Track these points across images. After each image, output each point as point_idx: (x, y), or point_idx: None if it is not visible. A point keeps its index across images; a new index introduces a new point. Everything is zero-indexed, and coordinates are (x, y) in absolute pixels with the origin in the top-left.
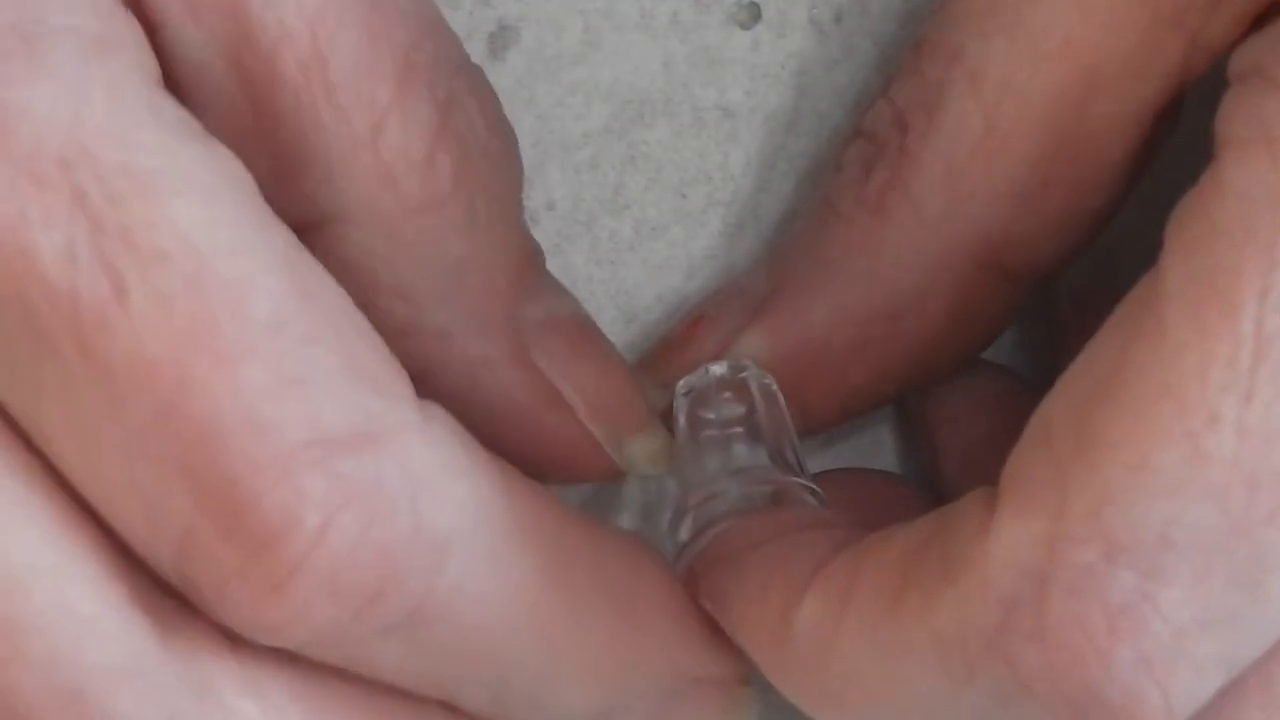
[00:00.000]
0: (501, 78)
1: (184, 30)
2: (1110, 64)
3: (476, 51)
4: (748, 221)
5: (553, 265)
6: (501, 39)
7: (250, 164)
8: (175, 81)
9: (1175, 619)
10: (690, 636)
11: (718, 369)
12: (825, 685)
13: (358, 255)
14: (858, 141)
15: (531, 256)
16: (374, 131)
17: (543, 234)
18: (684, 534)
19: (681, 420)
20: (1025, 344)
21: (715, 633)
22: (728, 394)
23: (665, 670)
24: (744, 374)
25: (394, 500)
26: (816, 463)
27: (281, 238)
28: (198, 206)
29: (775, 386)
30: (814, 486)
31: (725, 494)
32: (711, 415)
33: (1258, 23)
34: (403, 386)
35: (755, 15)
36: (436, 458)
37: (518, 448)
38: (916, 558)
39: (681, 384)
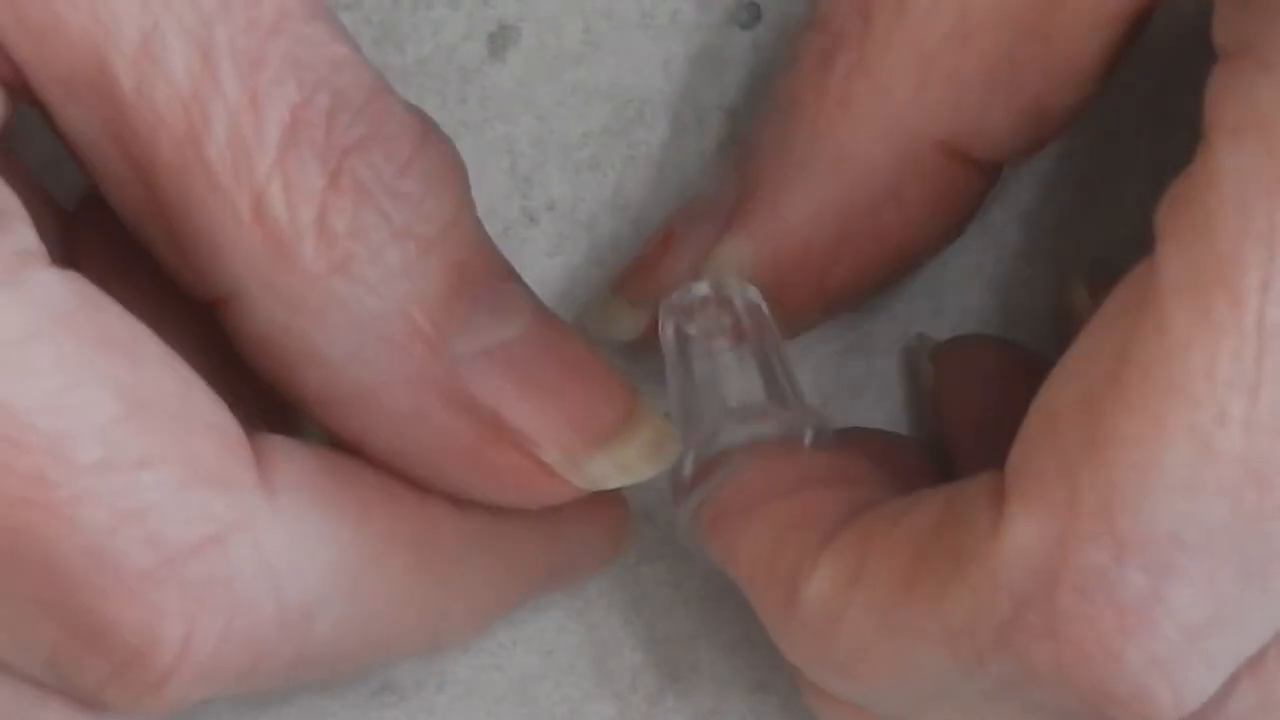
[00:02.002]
0: (501, 78)
1: (69, 112)
2: None
3: (476, 51)
4: None
5: (553, 265)
6: (501, 39)
7: (152, 240)
8: (76, 158)
9: (1186, 618)
10: (555, 542)
11: (700, 287)
12: (832, 657)
13: (266, 329)
14: (811, 33)
15: (469, 279)
16: (255, 206)
17: (543, 234)
18: (687, 469)
19: (669, 338)
20: (1046, 340)
21: (575, 512)
22: (711, 310)
23: (546, 575)
24: (727, 289)
25: (250, 590)
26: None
27: (112, 350)
28: (8, 365)
29: (759, 299)
30: (815, 415)
31: (727, 432)
32: (696, 332)
33: None
34: (245, 471)
35: (755, 15)
36: (286, 535)
37: (467, 489)
38: (926, 545)
39: (664, 304)
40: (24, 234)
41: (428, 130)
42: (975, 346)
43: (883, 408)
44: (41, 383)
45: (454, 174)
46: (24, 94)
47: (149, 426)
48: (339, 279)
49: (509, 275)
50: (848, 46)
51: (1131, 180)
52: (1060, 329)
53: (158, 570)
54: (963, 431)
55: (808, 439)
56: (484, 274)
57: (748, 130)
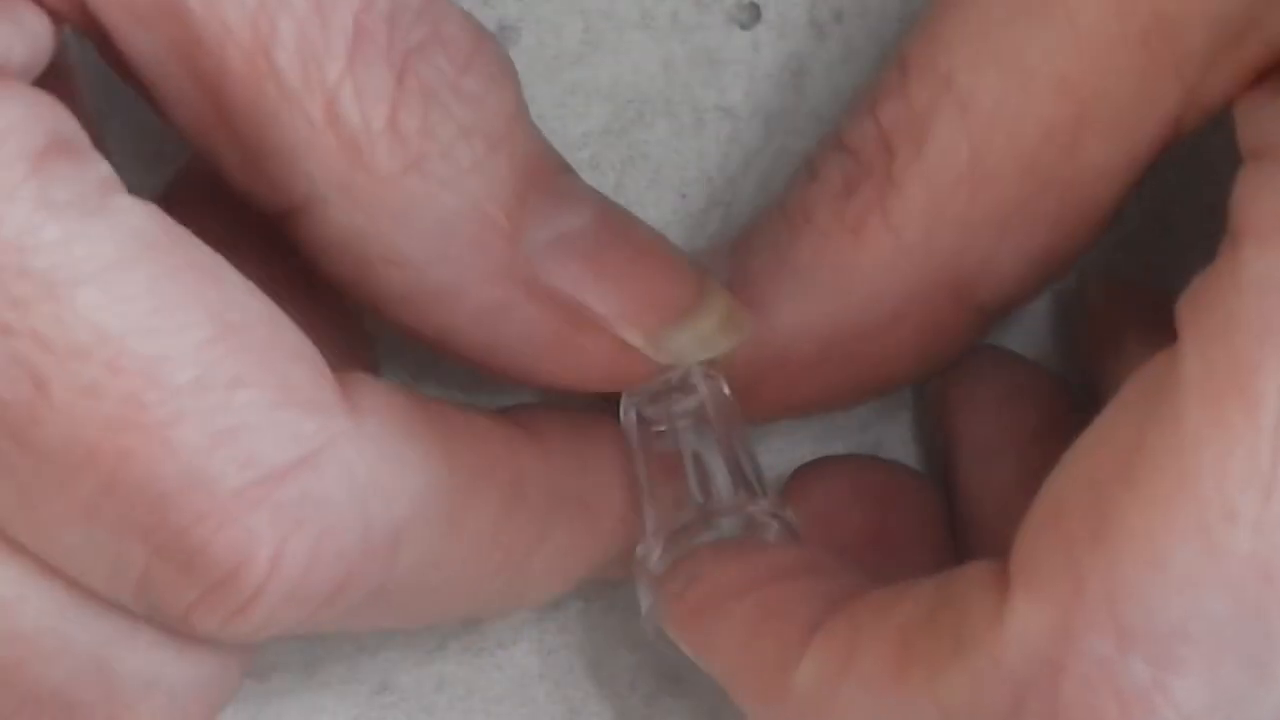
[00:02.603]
0: None
1: (135, 35)
2: (1104, 106)
3: None
4: (748, 221)
5: None
6: (501, 39)
7: (222, 157)
8: (139, 82)
9: (1189, 708)
10: (634, 500)
11: (664, 373)
12: None
13: (343, 233)
14: (839, 154)
15: (534, 174)
16: (328, 111)
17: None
18: (656, 566)
19: (631, 424)
20: (1057, 337)
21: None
22: (676, 396)
23: (630, 532)
24: (692, 377)
25: (339, 512)
26: (830, 449)
27: (200, 275)
28: (103, 290)
29: (725, 386)
30: (779, 511)
31: (694, 531)
32: (657, 417)
33: (1258, 81)
34: (332, 395)
35: (755, 15)
36: (375, 458)
37: (556, 377)
38: (921, 629)
39: (627, 393)
40: (101, 163)
41: (482, 30)
42: (988, 364)
43: (887, 428)
44: (135, 306)
45: (509, 72)
46: (82, 22)
47: (240, 348)
48: (414, 178)
49: (567, 168)
50: (870, 178)
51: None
52: (1076, 330)
53: (250, 491)
54: (970, 450)
55: (773, 532)
56: (548, 167)
57: (751, 225)
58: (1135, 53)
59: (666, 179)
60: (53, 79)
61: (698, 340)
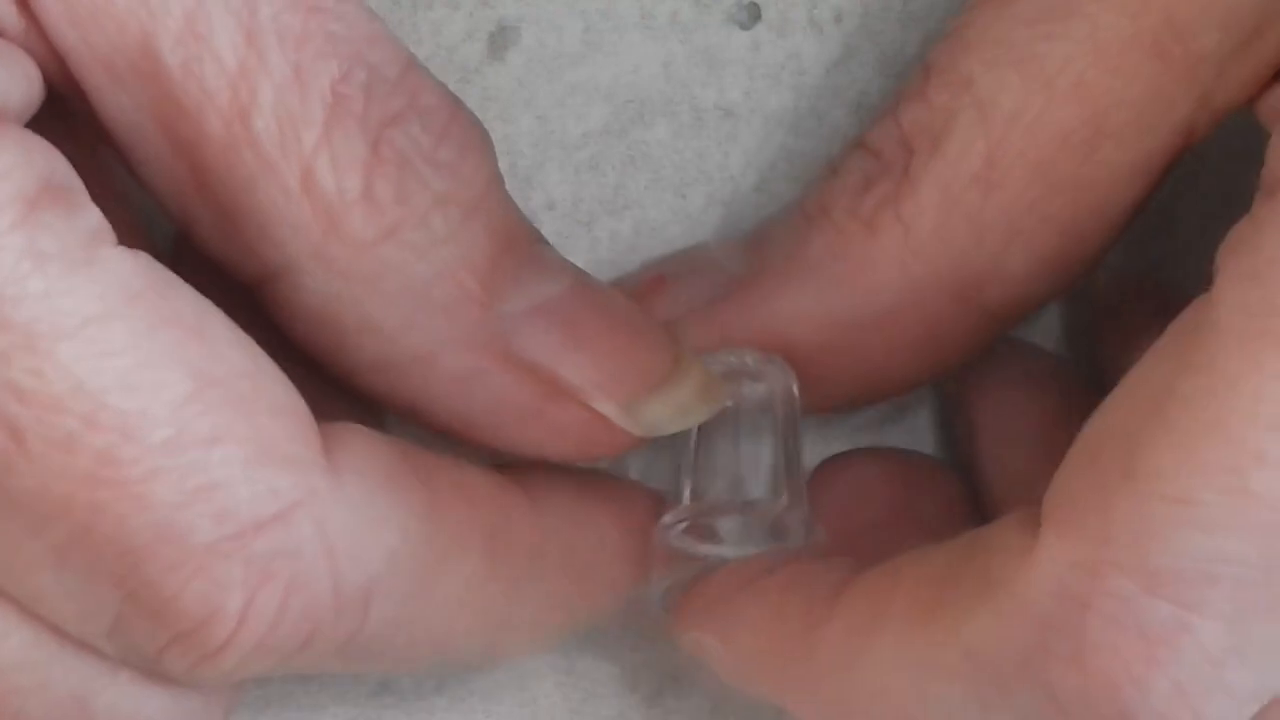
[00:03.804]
0: (501, 78)
1: (113, 96)
2: (1120, 110)
3: (476, 51)
4: (748, 221)
5: None
6: (501, 39)
7: (196, 221)
8: (114, 143)
9: (1212, 649)
10: (632, 568)
11: (742, 357)
12: (849, 702)
13: (317, 300)
14: (860, 153)
15: (510, 242)
16: (304, 178)
17: (543, 234)
18: (677, 540)
19: None
20: (1066, 329)
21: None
22: (747, 380)
23: (622, 593)
24: (767, 364)
25: (309, 567)
26: (858, 442)
27: (183, 329)
28: (84, 345)
29: (794, 385)
30: (810, 524)
31: (725, 512)
32: (728, 402)
33: (1273, 81)
34: (311, 451)
35: (755, 15)
36: (350, 516)
37: (529, 446)
38: (951, 577)
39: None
40: (91, 213)
41: (457, 102)
42: (1010, 355)
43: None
44: (115, 361)
45: (484, 143)
46: (60, 80)
47: (218, 404)
48: (388, 246)
49: (541, 238)
50: (888, 176)
51: None
52: (1086, 324)
53: (222, 545)
54: (992, 440)
55: (794, 540)
56: (523, 236)
57: (768, 220)
58: (1150, 57)
59: (666, 179)
60: (63, 123)
61: (675, 409)
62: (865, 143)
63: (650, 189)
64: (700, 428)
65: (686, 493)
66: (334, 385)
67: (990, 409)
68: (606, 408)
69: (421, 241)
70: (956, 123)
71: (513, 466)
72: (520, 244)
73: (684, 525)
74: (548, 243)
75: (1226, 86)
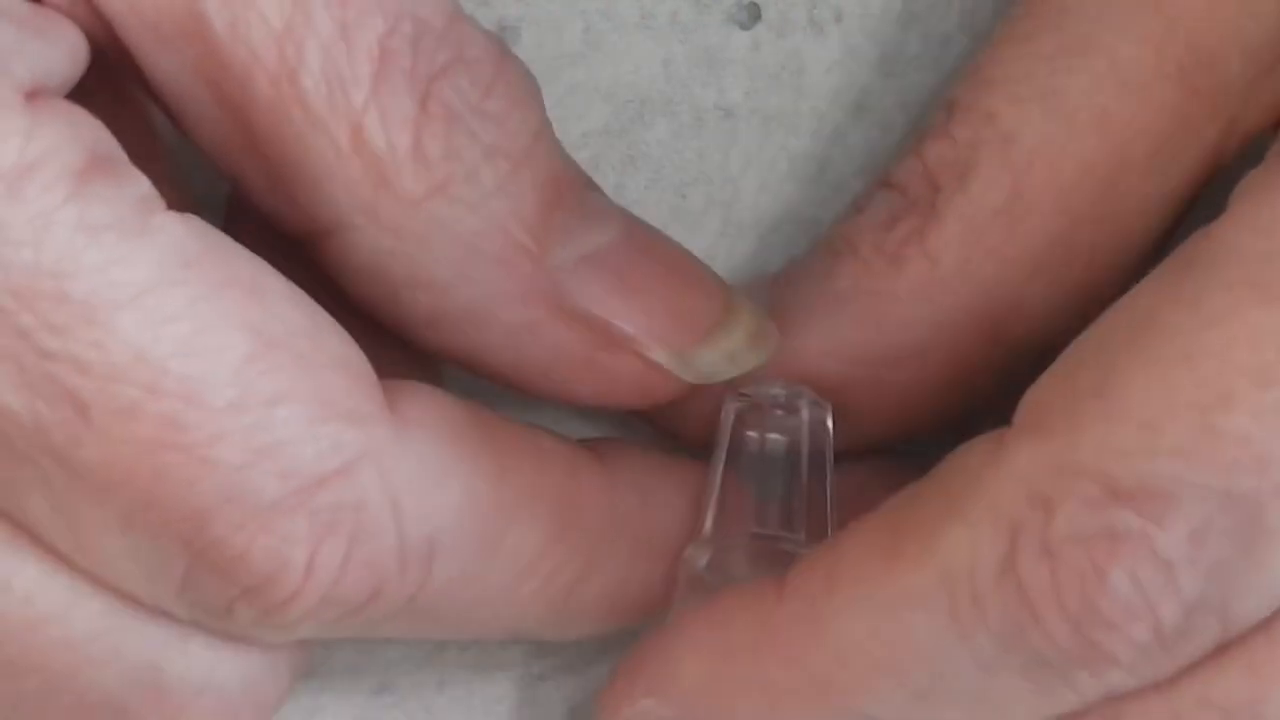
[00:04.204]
0: None
1: (159, 58)
2: (1144, 142)
3: None
4: (747, 221)
5: None
6: (501, 39)
7: (248, 179)
8: (163, 106)
9: (1170, 555)
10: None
11: (775, 389)
12: (821, 674)
13: (369, 257)
14: (886, 191)
15: (557, 193)
16: (354, 136)
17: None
18: (699, 570)
19: (727, 428)
20: None
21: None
22: (779, 411)
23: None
24: (799, 398)
25: (375, 520)
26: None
27: (240, 290)
28: (142, 313)
29: (828, 418)
30: None
31: (749, 549)
32: (756, 434)
33: None
34: (373, 405)
35: (755, 15)
36: (414, 468)
37: (584, 395)
38: (907, 509)
39: (732, 395)
40: (140, 180)
41: (505, 51)
42: None
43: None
44: (175, 328)
45: (532, 91)
46: (107, 43)
47: (279, 364)
48: (439, 201)
49: (592, 185)
50: (914, 212)
51: None
52: None
53: (287, 500)
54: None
55: None
56: (572, 185)
57: (795, 259)
58: (1174, 87)
59: (666, 179)
60: (108, 86)
61: (726, 357)
62: (890, 180)
63: (650, 189)
64: (726, 458)
65: (709, 522)
66: (395, 344)
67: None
68: (660, 356)
69: (471, 195)
70: (980, 157)
71: (595, 441)
72: (569, 194)
73: (705, 560)
74: (598, 188)
75: (1252, 112)
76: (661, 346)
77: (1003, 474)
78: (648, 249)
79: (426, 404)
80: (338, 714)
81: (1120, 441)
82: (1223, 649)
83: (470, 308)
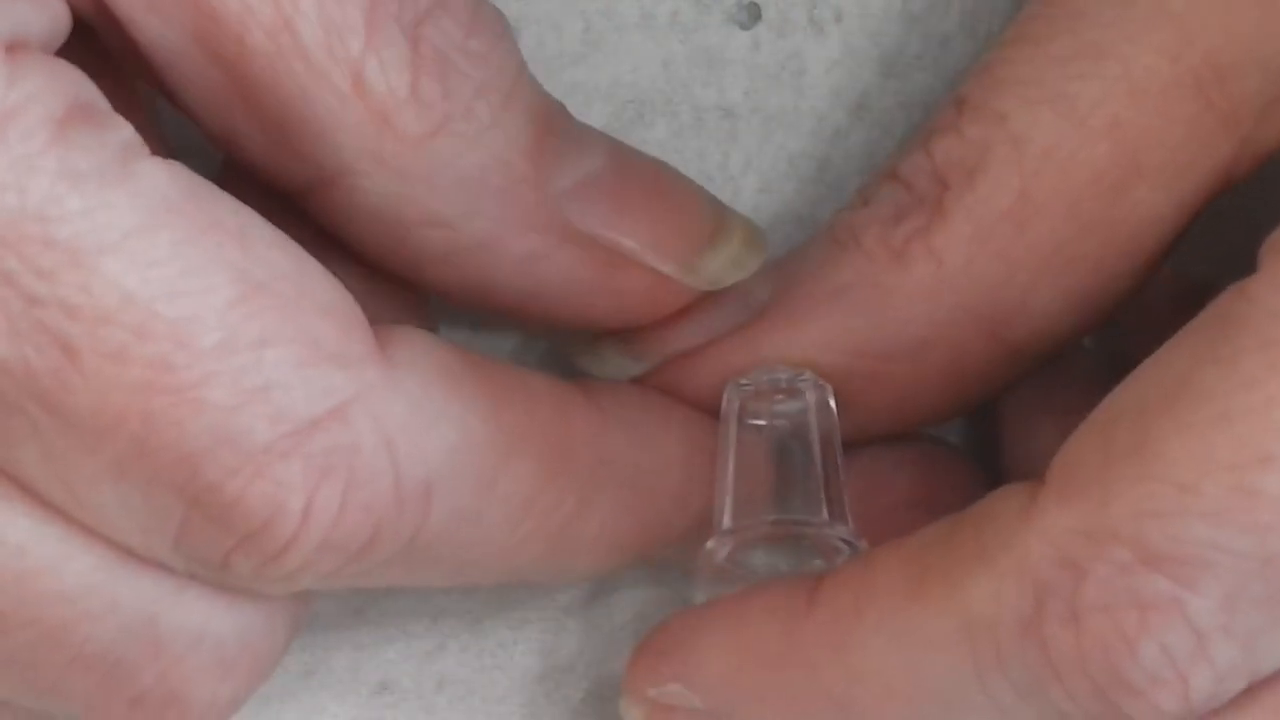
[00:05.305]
0: None
1: (149, 21)
2: (1156, 151)
3: None
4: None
5: None
6: None
7: (242, 136)
8: (152, 73)
9: (1201, 624)
10: (694, 476)
11: (776, 374)
12: (840, 691)
13: (377, 200)
14: (892, 184)
15: (547, 123)
16: (355, 84)
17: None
18: (720, 556)
19: (730, 418)
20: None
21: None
22: (782, 396)
23: (689, 509)
24: (802, 380)
25: (370, 462)
26: None
27: (224, 234)
28: (128, 257)
29: (831, 398)
30: (854, 540)
31: (770, 536)
32: (763, 421)
33: None
34: (364, 347)
35: (755, 15)
36: (407, 410)
37: (599, 316)
38: (938, 548)
39: (733, 384)
40: (122, 127)
41: None
42: None
43: None
44: (160, 270)
45: (507, 30)
46: (93, 10)
47: (266, 306)
48: (440, 139)
49: (569, 115)
50: (920, 208)
51: None
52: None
53: (280, 444)
54: (1017, 433)
55: (842, 559)
56: (557, 114)
57: (797, 247)
58: (1189, 99)
59: None
60: (90, 55)
61: (730, 262)
62: (896, 173)
63: None
64: (737, 446)
65: (727, 514)
66: (387, 292)
67: (1013, 397)
68: (668, 267)
69: (470, 131)
70: (991, 158)
71: (584, 380)
72: (556, 122)
73: (726, 552)
74: (574, 117)
75: (1268, 131)
76: (668, 258)
77: (1034, 532)
78: (636, 168)
79: (417, 347)
80: (338, 714)
81: (1155, 504)
82: (1245, 692)
83: (481, 241)
